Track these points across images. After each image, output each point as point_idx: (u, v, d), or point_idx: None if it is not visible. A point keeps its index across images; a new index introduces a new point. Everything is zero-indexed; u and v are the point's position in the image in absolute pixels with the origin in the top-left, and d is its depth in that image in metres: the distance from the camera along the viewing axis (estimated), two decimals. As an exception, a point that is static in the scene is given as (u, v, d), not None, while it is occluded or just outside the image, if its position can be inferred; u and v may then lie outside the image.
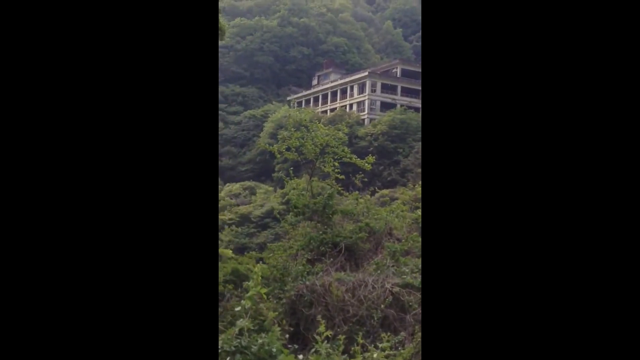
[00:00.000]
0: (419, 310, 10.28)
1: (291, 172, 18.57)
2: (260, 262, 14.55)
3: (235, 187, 60.32)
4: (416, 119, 60.31)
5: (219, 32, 23.12)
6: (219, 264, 19.75)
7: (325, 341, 6.23)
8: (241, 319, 5.85)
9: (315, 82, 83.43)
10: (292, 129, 18.48)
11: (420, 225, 14.74)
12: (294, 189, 17.28)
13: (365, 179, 22.04)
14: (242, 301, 6.00)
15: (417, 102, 68.58)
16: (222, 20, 23.64)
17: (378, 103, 70.45)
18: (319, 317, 8.56)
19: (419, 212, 15.52)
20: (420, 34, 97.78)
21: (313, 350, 6.24)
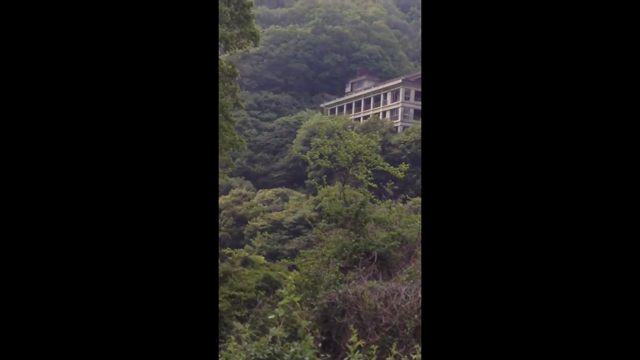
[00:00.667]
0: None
1: (324, 179, 18.56)
2: (293, 269, 14.56)
3: (268, 193, 60.62)
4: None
5: (254, 37, 23.36)
6: (252, 270, 19.87)
7: (358, 351, 6.17)
8: (274, 327, 5.85)
9: (348, 89, 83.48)
10: (325, 137, 18.48)
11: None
12: (326, 196, 17.27)
13: (397, 187, 21.91)
14: (276, 309, 5.99)
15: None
16: (257, 27, 23.87)
17: (411, 111, 70.15)
18: (351, 326, 8.50)
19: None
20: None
21: (345, 359, 6.19)
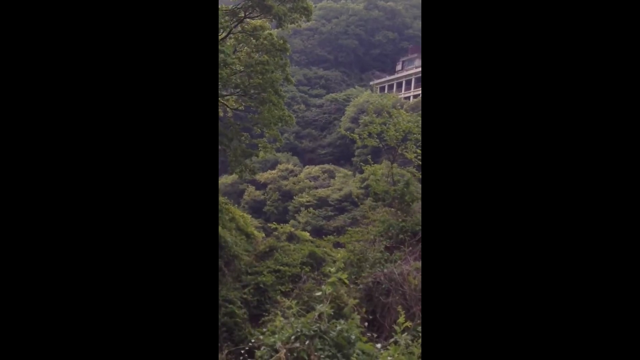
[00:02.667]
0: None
1: (369, 159, 18.41)
2: (340, 247, 14.57)
3: (315, 169, 60.73)
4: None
5: (306, 12, 23.20)
6: (297, 246, 19.98)
7: (405, 332, 6.13)
8: (320, 304, 5.85)
9: (399, 67, 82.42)
10: (374, 115, 18.30)
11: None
12: (373, 174, 17.16)
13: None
14: (323, 286, 5.99)
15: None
16: (309, 2, 23.67)
17: (463, 90, 68.87)
18: (398, 308, 8.45)
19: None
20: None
21: (392, 340, 6.15)
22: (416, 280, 11.01)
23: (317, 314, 5.67)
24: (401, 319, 5.97)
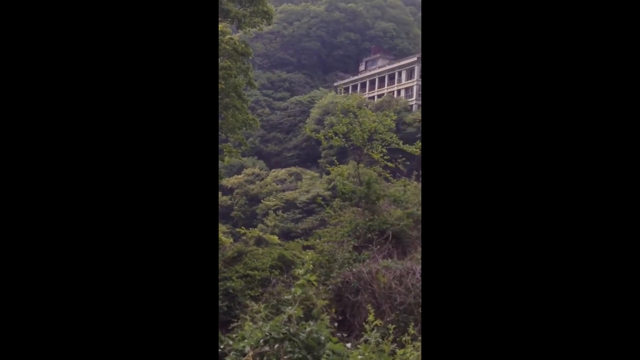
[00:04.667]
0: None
1: (337, 159, 18.46)
2: (308, 250, 14.55)
3: (281, 172, 60.68)
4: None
5: (267, 16, 23.15)
6: (266, 249, 19.89)
7: (374, 330, 6.13)
8: (289, 306, 5.80)
9: (362, 68, 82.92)
10: (340, 115, 18.34)
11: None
12: (339, 175, 17.19)
13: (408, 163, 21.73)
14: (292, 288, 5.95)
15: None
16: (270, 5, 23.62)
17: (426, 89, 69.50)
18: (368, 306, 8.46)
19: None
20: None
21: (362, 339, 6.14)
22: (385, 278, 11.06)
23: (286, 316, 5.62)
24: (370, 317, 5.97)
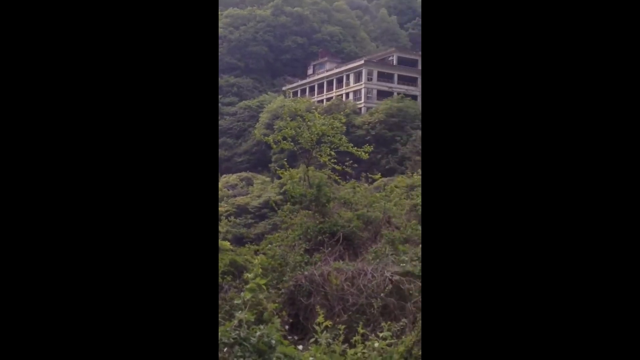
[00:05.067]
0: (419, 298, 10.23)
1: (285, 163, 18.46)
2: (259, 254, 14.50)
3: (232, 178, 60.19)
4: (413, 106, 60.19)
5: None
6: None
7: (325, 331, 6.16)
8: (240, 311, 5.78)
9: (310, 71, 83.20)
10: (288, 119, 18.34)
11: (420, 212, 14.70)
12: (290, 179, 17.19)
13: (356, 166, 21.91)
14: (242, 293, 5.93)
15: (414, 90, 68.46)
16: (216, 10, 23.45)
17: (375, 91, 70.31)
18: (317, 307, 8.50)
19: (418, 199, 15.45)
20: (415, 21, 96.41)
21: (313, 340, 6.17)
22: (337, 280, 11.11)
23: (236, 321, 5.60)
24: (320, 319, 6.00)
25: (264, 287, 6.40)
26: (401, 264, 11.33)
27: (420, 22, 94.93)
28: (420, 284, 10.27)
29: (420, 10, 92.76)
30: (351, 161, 18.89)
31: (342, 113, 21.34)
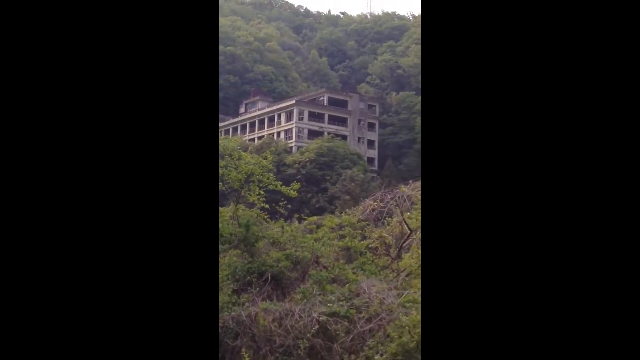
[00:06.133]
0: (347, 338, 10.27)
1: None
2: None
3: (161, 216, 58.89)
4: (343, 146, 61.07)
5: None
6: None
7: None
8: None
9: (242, 110, 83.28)
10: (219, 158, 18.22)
11: (350, 252, 14.83)
12: (219, 218, 16.96)
13: (288, 206, 21.94)
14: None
15: (344, 130, 69.61)
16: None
17: (305, 131, 70.99)
18: (244, 350, 8.39)
19: (347, 239, 15.60)
20: (345, 63, 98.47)
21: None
22: (265, 320, 11.01)
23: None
24: (244, 361, 5.94)
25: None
26: (328, 304, 11.36)
27: (350, 64, 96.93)
28: (346, 324, 10.33)
29: (350, 53, 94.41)
30: (285, 201, 18.90)
31: (272, 152, 21.37)
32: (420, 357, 8.73)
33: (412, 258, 14.32)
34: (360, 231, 16.08)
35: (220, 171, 17.31)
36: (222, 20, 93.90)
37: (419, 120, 73.57)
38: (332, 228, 16.76)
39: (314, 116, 71.97)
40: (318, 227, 18.30)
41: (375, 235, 16.10)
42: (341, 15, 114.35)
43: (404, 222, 15.99)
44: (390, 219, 16.87)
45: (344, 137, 67.52)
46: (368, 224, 16.50)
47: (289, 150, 64.84)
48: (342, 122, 71.97)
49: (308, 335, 10.54)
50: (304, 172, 57.35)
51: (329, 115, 72.78)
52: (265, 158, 17.63)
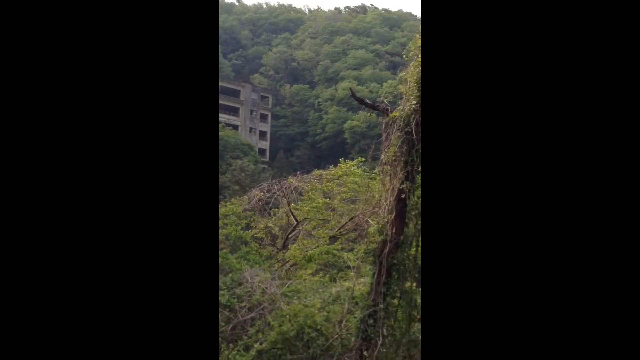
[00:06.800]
0: (227, 327, 10.12)
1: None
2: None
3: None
4: (234, 136, 60.52)
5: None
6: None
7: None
8: None
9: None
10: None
11: (232, 240, 14.64)
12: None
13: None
14: None
15: (236, 120, 69.02)
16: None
17: (196, 119, 69.60)
18: None
19: (231, 227, 15.41)
20: (239, 52, 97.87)
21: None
22: None
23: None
24: None
25: None
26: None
27: (243, 54, 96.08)
28: (227, 313, 10.20)
29: (244, 42, 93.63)
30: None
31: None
32: (299, 345, 8.77)
33: (298, 249, 14.38)
34: (245, 220, 15.93)
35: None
36: None
37: (312, 113, 74.31)
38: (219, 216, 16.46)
39: None
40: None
41: (261, 226, 15.99)
42: (236, 3, 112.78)
43: (290, 213, 16.01)
44: (276, 209, 16.83)
45: (235, 127, 66.88)
46: (254, 214, 16.37)
47: (178, 138, 63.26)
48: (234, 111, 71.27)
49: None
50: (193, 160, 56.23)
51: (221, 104, 71.78)
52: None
